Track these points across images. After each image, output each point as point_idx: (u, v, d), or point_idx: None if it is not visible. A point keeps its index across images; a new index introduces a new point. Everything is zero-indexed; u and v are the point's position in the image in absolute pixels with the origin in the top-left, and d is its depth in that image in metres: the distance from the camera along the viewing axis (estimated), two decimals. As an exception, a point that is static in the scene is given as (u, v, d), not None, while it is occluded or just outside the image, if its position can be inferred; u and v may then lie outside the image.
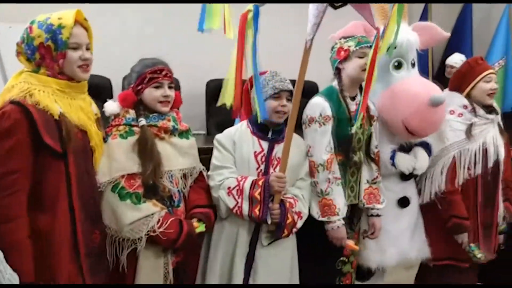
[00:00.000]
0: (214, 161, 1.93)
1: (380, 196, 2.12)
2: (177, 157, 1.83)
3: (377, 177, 2.12)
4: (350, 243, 1.99)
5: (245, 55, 1.73)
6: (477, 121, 2.26)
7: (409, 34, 2.18)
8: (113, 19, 3.74)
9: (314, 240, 2.00)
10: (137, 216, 1.67)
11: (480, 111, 2.28)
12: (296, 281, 2.00)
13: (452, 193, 2.26)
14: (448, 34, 2.38)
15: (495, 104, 2.37)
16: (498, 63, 5.18)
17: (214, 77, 3.97)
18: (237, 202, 1.82)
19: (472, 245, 2.28)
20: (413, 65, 2.22)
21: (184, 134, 1.89)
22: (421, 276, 2.50)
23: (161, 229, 1.68)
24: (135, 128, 1.76)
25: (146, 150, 1.72)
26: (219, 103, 1.87)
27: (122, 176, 1.70)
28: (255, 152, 1.91)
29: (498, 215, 2.35)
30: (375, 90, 2.12)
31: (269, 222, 1.83)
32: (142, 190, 1.72)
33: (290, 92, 1.90)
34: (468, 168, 2.25)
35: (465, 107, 2.29)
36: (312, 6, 1.66)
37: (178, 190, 1.82)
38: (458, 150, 2.25)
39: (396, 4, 1.56)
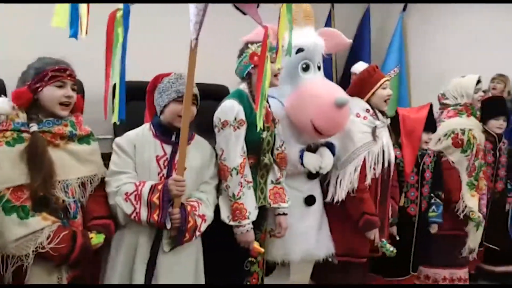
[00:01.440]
0: (112, 166, 1.83)
1: (285, 195, 2.16)
2: (74, 165, 1.71)
3: (280, 177, 2.17)
4: (257, 245, 2.00)
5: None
6: (379, 124, 2.41)
7: (316, 39, 2.28)
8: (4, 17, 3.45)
9: (221, 243, 1.99)
10: (23, 232, 1.54)
11: (380, 116, 2.45)
12: (201, 282, 1.96)
13: (363, 191, 2.38)
14: (350, 41, 2.52)
15: (385, 109, 2.55)
16: (393, 70, 5.60)
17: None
18: (135, 208, 1.75)
19: (383, 240, 2.42)
20: (319, 68, 2.32)
21: (84, 139, 1.78)
22: (325, 272, 2.58)
23: (51, 245, 1.56)
24: (24, 134, 1.60)
25: (35, 159, 1.58)
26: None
27: (8, 188, 1.54)
28: (157, 156, 1.84)
29: (388, 211, 2.53)
30: (284, 92, 2.20)
31: (169, 227, 1.77)
32: (31, 203, 1.57)
33: (195, 95, 1.87)
34: (373, 168, 2.39)
35: (367, 111, 2.43)
36: (191, 5, 1.62)
37: (75, 201, 1.71)
38: (367, 151, 2.38)
39: (284, 4, 1.58)
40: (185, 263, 1.89)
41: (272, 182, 2.15)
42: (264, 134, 2.03)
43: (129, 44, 1.47)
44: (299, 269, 2.62)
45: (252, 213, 1.98)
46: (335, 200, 2.38)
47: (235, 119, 1.96)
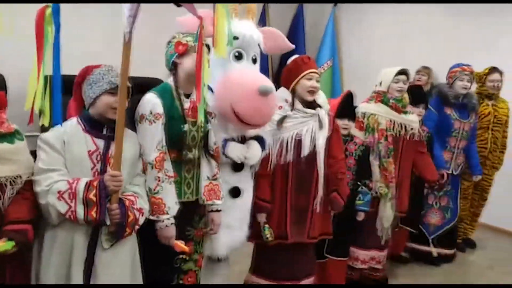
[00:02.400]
0: (40, 164, 1.72)
1: (220, 192, 2.14)
2: None
3: (216, 173, 2.14)
4: (180, 243, 1.95)
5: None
6: (292, 114, 2.42)
7: (254, 32, 2.26)
8: None
9: (151, 238, 1.95)
10: None
11: (298, 105, 2.44)
12: (139, 281, 1.93)
13: (261, 176, 2.41)
14: (293, 46, 2.50)
15: (321, 100, 2.56)
16: (326, 63, 5.77)
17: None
18: (70, 206, 1.67)
19: (266, 226, 2.44)
20: (254, 61, 2.29)
21: (7, 137, 1.68)
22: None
23: None
24: None
25: None
26: (26, 108, 1.63)
27: None
28: (89, 151, 1.77)
29: (314, 202, 2.52)
30: (214, 78, 2.15)
31: (108, 223, 1.73)
32: None
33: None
34: (278, 155, 2.41)
35: (286, 100, 2.44)
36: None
37: None
38: (272, 138, 2.39)
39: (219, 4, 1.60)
40: (123, 259, 1.85)
41: (208, 178, 2.12)
42: (186, 127, 1.99)
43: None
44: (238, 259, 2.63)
45: (172, 208, 1.94)
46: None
47: (151, 112, 1.93)
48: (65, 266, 1.73)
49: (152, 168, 1.91)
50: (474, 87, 3.77)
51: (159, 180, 1.91)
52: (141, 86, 2.04)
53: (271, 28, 2.50)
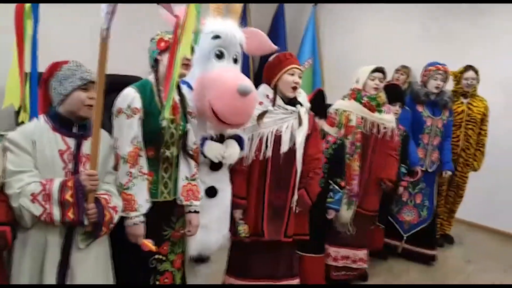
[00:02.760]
0: (9, 166, 1.66)
1: (198, 193, 2.12)
2: None
3: (195, 173, 2.12)
4: (148, 242, 1.92)
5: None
6: (273, 110, 2.41)
7: (236, 31, 2.24)
8: None
9: (125, 237, 1.93)
10: None
11: (279, 101, 2.43)
12: (111, 280, 1.91)
13: (237, 172, 2.40)
14: (276, 47, 2.48)
15: (301, 98, 2.54)
16: (307, 62, 5.79)
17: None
18: (45, 209, 1.63)
19: (241, 222, 2.44)
20: (235, 60, 2.27)
21: None
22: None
23: None
24: None
25: None
26: (4, 105, 1.62)
27: None
28: (60, 150, 1.73)
29: (292, 200, 2.53)
30: (194, 75, 2.14)
31: (86, 223, 1.70)
32: None
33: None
34: (257, 150, 2.40)
35: (267, 96, 2.43)
36: None
37: None
38: (251, 133, 2.39)
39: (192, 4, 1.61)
40: (97, 258, 1.83)
41: (186, 178, 2.10)
42: (164, 124, 1.97)
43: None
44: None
45: (143, 206, 1.92)
46: None
47: (129, 106, 1.91)
48: (38, 268, 1.70)
49: (124, 162, 1.89)
50: (450, 86, 3.83)
51: (131, 176, 1.89)
52: (119, 84, 2.03)
53: (254, 29, 2.49)
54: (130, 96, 1.93)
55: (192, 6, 1.59)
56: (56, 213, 1.64)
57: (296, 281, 2.71)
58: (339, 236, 3.11)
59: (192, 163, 2.12)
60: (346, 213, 3.06)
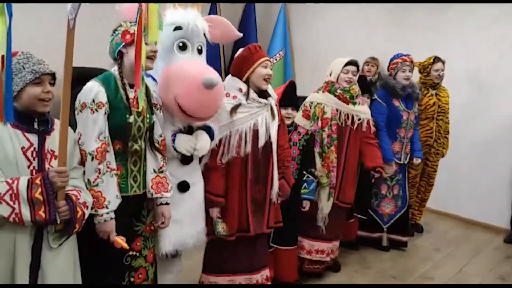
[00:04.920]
0: None
1: (168, 184, 2.09)
2: None
3: (163, 165, 2.09)
4: (119, 239, 1.89)
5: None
6: (246, 103, 2.38)
7: (198, 20, 2.19)
8: None
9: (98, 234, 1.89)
10: None
11: (253, 95, 2.40)
12: (79, 280, 1.85)
13: (211, 168, 2.37)
14: (240, 34, 2.46)
15: (270, 90, 2.52)
16: (278, 54, 5.79)
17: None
18: (14, 208, 1.56)
19: (219, 220, 2.41)
20: (199, 51, 2.22)
21: None
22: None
23: None
24: None
25: None
26: None
27: None
28: (22, 147, 1.65)
29: (272, 193, 2.53)
30: (158, 68, 2.09)
31: (59, 221, 1.65)
32: None
33: (53, 75, 1.71)
34: (237, 147, 2.36)
35: (240, 90, 2.40)
36: None
37: None
38: (229, 131, 2.35)
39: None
40: (66, 257, 1.77)
41: (154, 171, 2.06)
42: (131, 119, 1.92)
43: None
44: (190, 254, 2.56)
45: (112, 202, 1.88)
46: None
47: (93, 101, 1.85)
48: (9, 270, 1.63)
49: (92, 159, 1.83)
50: (416, 77, 3.88)
51: (99, 172, 1.84)
52: (84, 76, 1.96)
53: (217, 16, 2.45)
54: (94, 90, 1.86)
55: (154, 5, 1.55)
56: (26, 212, 1.58)
57: (267, 271, 2.72)
58: (313, 228, 3.11)
59: (159, 155, 2.08)
60: (327, 204, 3.07)
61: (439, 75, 3.91)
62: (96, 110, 1.85)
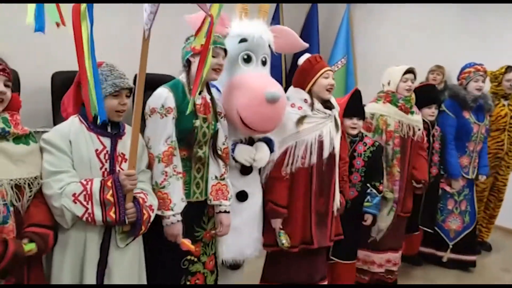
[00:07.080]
0: (47, 166, 1.66)
1: (228, 192, 2.11)
2: (6, 165, 1.56)
3: (224, 173, 2.11)
4: (187, 242, 1.93)
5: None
6: (312, 114, 2.37)
7: (263, 32, 2.20)
8: None
9: (159, 237, 1.94)
10: None
11: (318, 105, 2.40)
12: (144, 280, 1.91)
13: (276, 178, 2.35)
14: (306, 44, 2.45)
15: (332, 100, 2.50)
16: (340, 61, 5.71)
17: (60, 69, 3.68)
18: (87, 209, 1.64)
19: (281, 231, 2.38)
20: (263, 63, 2.23)
21: (22, 139, 1.64)
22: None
23: None
24: None
25: None
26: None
27: None
28: (96, 150, 1.74)
29: (333, 205, 2.49)
30: (222, 80, 2.12)
31: (127, 222, 1.72)
32: None
33: (130, 89, 1.80)
34: (303, 158, 2.35)
35: (305, 100, 2.40)
36: None
37: (5, 204, 1.54)
38: (294, 141, 2.34)
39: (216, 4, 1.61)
40: (132, 257, 1.84)
41: (216, 177, 2.09)
42: (197, 123, 1.97)
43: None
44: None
45: (178, 205, 1.92)
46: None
47: (163, 106, 1.91)
48: (78, 268, 1.72)
49: (159, 161, 1.89)
50: (487, 87, 3.67)
51: (166, 175, 1.90)
52: (154, 82, 2.02)
53: (282, 26, 2.44)
54: (163, 96, 1.93)
55: (215, 5, 1.58)
56: (98, 213, 1.66)
57: (326, 281, 2.67)
58: (383, 241, 3.03)
59: (221, 163, 2.11)
60: (386, 218, 2.98)
61: (511, 85, 3.69)
62: (165, 115, 1.91)
